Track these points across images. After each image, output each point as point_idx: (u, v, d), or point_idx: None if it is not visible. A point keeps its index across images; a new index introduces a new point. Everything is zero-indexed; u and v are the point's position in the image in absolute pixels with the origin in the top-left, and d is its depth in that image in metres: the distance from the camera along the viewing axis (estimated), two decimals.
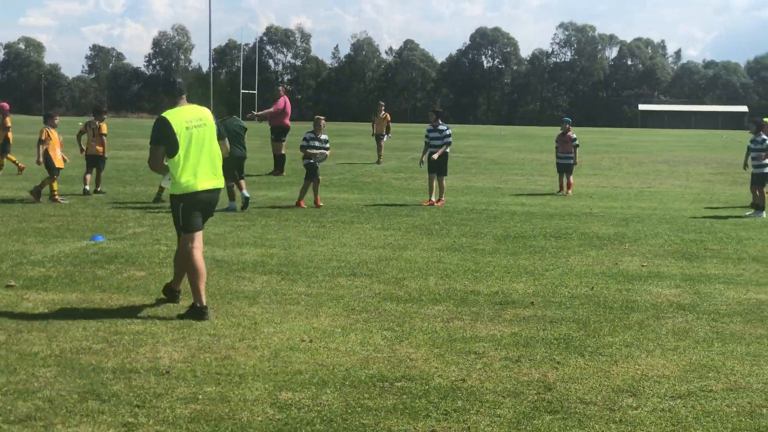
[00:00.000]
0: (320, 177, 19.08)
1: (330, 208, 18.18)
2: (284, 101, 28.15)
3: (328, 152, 18.99)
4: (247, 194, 17.95)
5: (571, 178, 23.52)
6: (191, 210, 9.25)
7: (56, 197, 18.70)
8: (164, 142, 9.10)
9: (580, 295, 10.15)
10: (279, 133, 27.79)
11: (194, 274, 9.06)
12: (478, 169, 31.76)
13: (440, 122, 19.91)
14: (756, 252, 13.52)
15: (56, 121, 19.69)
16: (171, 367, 7.12)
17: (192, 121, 9.23)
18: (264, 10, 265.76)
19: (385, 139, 34.88)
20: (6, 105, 27.67)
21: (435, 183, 19.77)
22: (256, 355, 7.51)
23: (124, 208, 17.83)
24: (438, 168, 19.70)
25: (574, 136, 23.75)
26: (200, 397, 6.43)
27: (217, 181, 9.41)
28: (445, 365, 7.30)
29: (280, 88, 29.74)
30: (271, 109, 28.55)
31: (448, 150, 19.85)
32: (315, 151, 18.67)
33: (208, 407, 6.23)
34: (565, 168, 23.45)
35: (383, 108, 35.73)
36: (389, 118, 35.37)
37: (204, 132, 9.27)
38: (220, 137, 9.70)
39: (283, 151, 27.81)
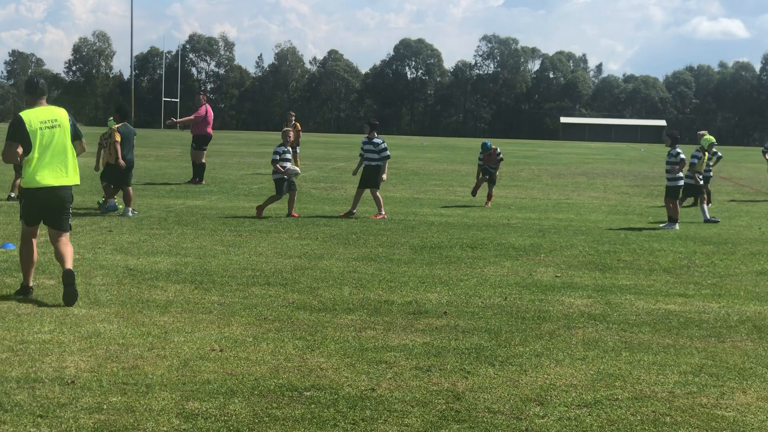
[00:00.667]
0: (294, 191, 18.93)
1: (248, 218, 18.08)
2: (206, 109, 27.84)
3: (298, 168, 19.01)
4: (117, 205, 18.29)
5: (493, 190, 23.80)
6: (33, 204, 9.99)
7: None
8: (18, 139, 9.79)
9: (494, 305, 10.22)
10: (200, 141, 27.47)
11: (26, 260, 10.05)
12: (398, 180, 31.83)
13: (375, 135, 19.73)
14: (667, 263, 13.74)
15: None
16: (77, 376, 7.01)
17: (47, 121, 9.91)
18: (187, 18, 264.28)
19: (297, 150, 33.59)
20: None
21: (361, 197, 19.70)
22: (164, 364, 7.43)
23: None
24: (370, 182, 19.46)
25: (499, 150, 24.21)
26: (105, 407, 6.33)
27: (67, 179, 10.02)
28: (356, 375, 7.29)
29: (202, 96, 29.34)
30: (191, 117, 28.23)
31: (386, 164, 19.71)
32: (287, 166, 18.59)
33: (112, 417, 6.14)
34: (490, 173, 23.75)
35: (294, 118, 34.47)
36: (300, 128, 34.29)
37: (57, 132, 9.93)
38: (76, 137, 10.04)
39: (203, 160, 27.51)
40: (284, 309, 9.69)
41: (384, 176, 19.56)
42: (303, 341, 8.34)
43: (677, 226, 18.65)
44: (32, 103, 10.13)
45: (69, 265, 9.77)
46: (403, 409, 6.49)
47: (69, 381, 6.87)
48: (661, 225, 18.96)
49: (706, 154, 22.17)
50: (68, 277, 9.58)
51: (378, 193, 19.56)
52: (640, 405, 6.71)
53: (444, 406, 6.57)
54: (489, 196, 23.49)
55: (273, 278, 11.45)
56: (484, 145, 23.86)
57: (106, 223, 16.57)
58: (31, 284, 10.11)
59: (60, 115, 10.10)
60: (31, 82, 10.18)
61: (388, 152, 19.78)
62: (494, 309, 10.03)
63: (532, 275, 12.35)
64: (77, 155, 10.29)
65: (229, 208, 20.10)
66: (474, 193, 24.19)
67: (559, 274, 12.45)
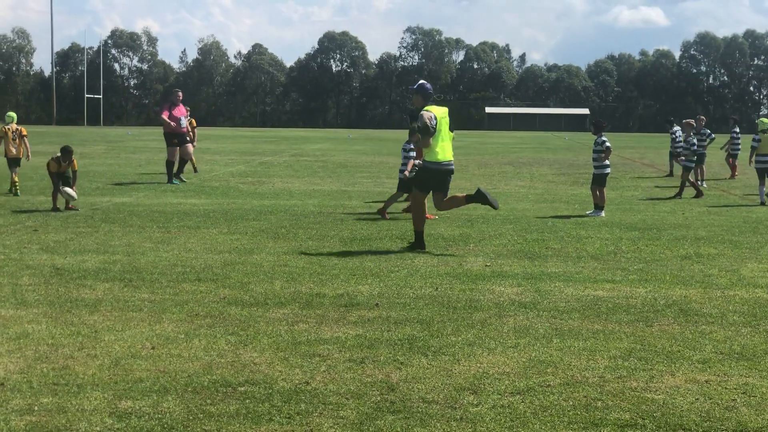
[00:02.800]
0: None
1: (176, 214, 17.93)
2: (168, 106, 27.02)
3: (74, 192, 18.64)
4: None
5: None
6: None
7: None
8: None
9: (425, 296, 10.27)
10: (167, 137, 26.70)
11: None
12: (325, 173, 31.82)
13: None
14: (594, 250, 13.92)
15: None
16: (6, 378, 6.91)
17: None
18: (108, 13, 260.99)
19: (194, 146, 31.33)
20: None
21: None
22: (95, 364, 7.35)
23: None
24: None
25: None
26: (36, 408, 6.26)
27: None
28: (289, 368, 7.29)
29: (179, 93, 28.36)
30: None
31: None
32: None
33: (44, 418, 6.07)
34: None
35: (188, 113, 30.95)
36: (195, 124, 31.72)
37: None
38: None
39: (171, 158, 26.70)
40: (215, 305, 9.64)
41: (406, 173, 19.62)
42: (235, 336, 8.31)
43: (603, 213, 18.89)
44: None
45: None
46: (338, 401, 6.50)
47: None
48: (588, 212, 19.20)
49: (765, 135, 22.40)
50: None
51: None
52: (572, 391, 6.80)
53: (378, 398, 6.60)
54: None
55: (203, 274, 11.38)
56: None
57: (31, 222, 16.33)
58: None
59: None
60: None
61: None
62: (425, 299, 10.08)
63: (462, 265, 12.43)
64: None
65: (156, 204, 19.92)
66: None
67: (488, 264, 12.55)
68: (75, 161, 18.99)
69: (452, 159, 13.99)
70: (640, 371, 7.34)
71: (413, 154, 18.25)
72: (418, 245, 13.74)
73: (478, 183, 28.02)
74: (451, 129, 13.99)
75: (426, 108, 13.84)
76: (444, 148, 13.88)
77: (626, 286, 11.05)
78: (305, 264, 12.29)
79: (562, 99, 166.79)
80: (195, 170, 30.36)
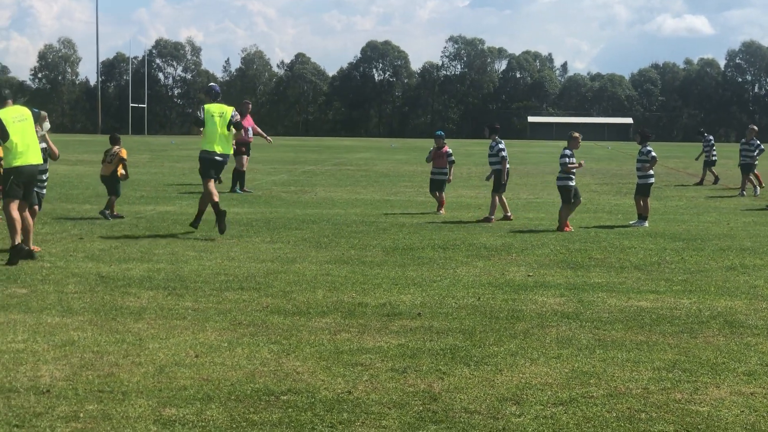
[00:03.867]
0: None
1: None
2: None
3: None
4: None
5: (444, 195, 21.73)
6: (17, 181, 13.05)
7: None
8: None
9: (467, 306, 10.26)
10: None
11: (11, 225, 12.87)
12: (368, 182, 31.86)
13: (495, 137, 20.30)
14: (638, 260, 13.84)
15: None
16: (52, 385, 6.98)
17: (16, 117, 13.20)
18: (153, 23, 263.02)
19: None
20: None
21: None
22: (140, 371, 7.42)
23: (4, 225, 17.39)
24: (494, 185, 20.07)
25: (450, 151, 21.91)
26: (81, 415, 6.32)
27: (37, 158, 13.44)
28: (332, 378, 7.31)
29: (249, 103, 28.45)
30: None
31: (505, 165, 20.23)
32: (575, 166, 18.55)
33: (89, 425, 6.13)
34: (438, 185, 21.55)
35: (249, 106, 31.40)
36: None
37: (25, 125, 13.25)
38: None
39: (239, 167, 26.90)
40: (258, 313, 9.69)
41: (504, 177, 20.18)
42: (278, 345, 8.34)
43: (647, 224, 18.78)
44: (2, 105, 13.85)
45: None
46: (380, 411, 6.51)
47: (44, 390, 6.85)
48: (631, 222, 19.08)
49: None
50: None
51: (499, 196, 19.96)
52: (615, 402, 6.76)
53: (421, 408, 6.60)
54: (441, 203, 21.44)
55: (246, 283, 11.44)
56: (437, 134, 22.32)
57: (77, 230, 16.48)
58: (15, 243, 12.79)
59: (24, 112, 13.48)
60: None
61: (503, 154, 20.31)
62: (468, 309, 10.07)
63: (504, 275, 12.40)
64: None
65: None
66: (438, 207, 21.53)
67: (531, 274, 12.52)
68: (123, 150, 19.19)
69: (223, 151, 16.77)
70: (685, 383, 7.29)
71: (568, 161, 18.51)
72: (195, 223, 16.80)
73: (521, 192, 27.96)
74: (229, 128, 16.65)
75: (205, 105, 17.10)
76: (212, 141, 16.61)
77: (670, 296, 10.98)
78: (347, 273, 12.31)
79: (605, 108, 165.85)
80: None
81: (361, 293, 10.91)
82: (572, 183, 18.26)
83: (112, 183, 18.95)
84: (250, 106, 28.02)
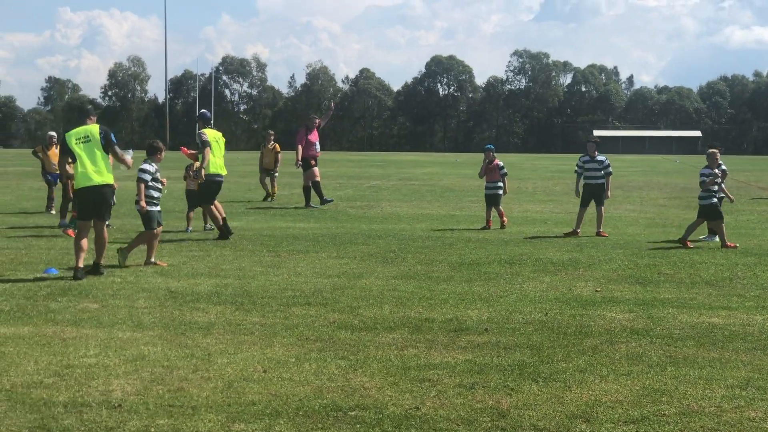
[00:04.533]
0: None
1: (285, 238, 18.14)
2: (303, 132, 27.39)
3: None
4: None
5: (501, 208, 21.37)
6: (81, 204, 13.44)
7: None
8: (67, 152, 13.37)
9: (534, 321, 10.18)
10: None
11: (74, 247, 13.25)
12: (433, 197, 31.85)
13: (597, 153, 20.05)
14: (709, 276, 13.64)
15: None
16: (123, 399, 7.06)
17: (81, 137, 13.33)
18: (220, 40, 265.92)
19: (276, 174, 30.91)
20: None
21: (585, 214, 20.00)
22: (209, 386, 7.46)
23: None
24: (596, 199, 19.85)
25: (502, 164, 21.61)
26: (152, 429, 6.37)
27: (103, 178, 13.34)
28: (399, 393, 7.29)
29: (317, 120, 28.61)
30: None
31: (609, 180, 20.10)
32: None
33: None
34: (493, 199, 21.25)
35: (272, 138, 31.42)
36: (279, 149, 30.83)
37: (90, 145, 13.27)
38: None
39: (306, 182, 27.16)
40: (325, 329, 9.71)
41: (609, 192, 20.06)
42: (345, 361, 8.35)
43: (717, 238, 18.50)
44: (82, 123, 13.97)
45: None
46: (448, 427, 6.48)
47: (116, 404, 6.92)
48: (702, 237, 18.82)
49: None
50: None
51: (602, 210, 19.97)
52: (687, 420, 6.66)
53: (489, 424, 6.56)
54: (500, 215, 21.14)
55: (313, 298, 11.48)
56: (486, 147, 22.03)
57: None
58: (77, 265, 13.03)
59: (91, 130, 13.50)
60: (82, 108, 13.74)
61: (611, 168, 20.15)
62: (535, 325, 10.00)
63: (571, 290, 12.30)
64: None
65: (266, 228, 20.19)
66: (488, 223, 21.20)
67: (599, 289, 12.40)
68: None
69: (223, 173, 18.42)
70: (759, 401, 7.15)
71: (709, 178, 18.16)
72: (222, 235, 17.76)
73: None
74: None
75: (203, 130, 18.53)
76: (216, 164, 18.15)
77: (743, 313, 10.80)
78: (414, 288, 12.30)
79: (673, 121, 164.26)
80: (271, 197, 29.96)
81: (428, 308, 10.88)
82: (714, 200, 18.01)
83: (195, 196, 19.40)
84: (318, 120, 28.15)
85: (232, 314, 10.44)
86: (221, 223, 17.92)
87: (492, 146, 22.35)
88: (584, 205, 19.80)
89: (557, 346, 9.01)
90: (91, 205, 13.35)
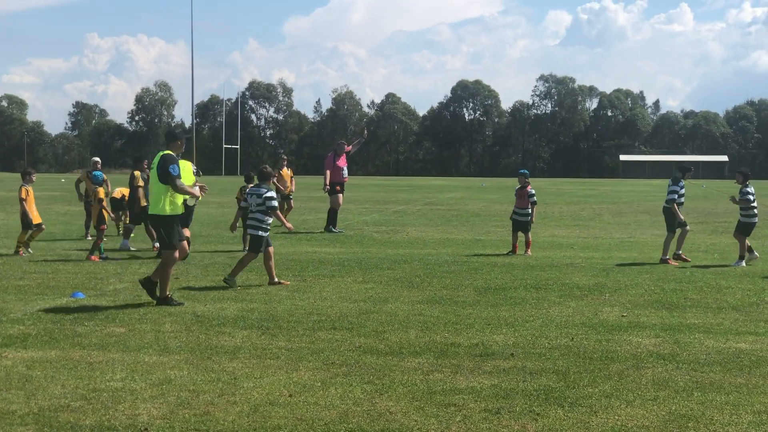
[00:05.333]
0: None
1: (311, 262, 18.18)
2: (332, 156, 27.64)
3: None
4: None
5: (529, 236, 21.14)
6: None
7: (20, 251, 19.70)
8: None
9: (560, 346, 10.16)
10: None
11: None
12: (459, 222, 31.84)
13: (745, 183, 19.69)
14: (735, 301, 13.57)
15: (33, 178, 20.40)
16: (150, 423, 7.09)
17: (155, 162, 13.14)
18: (247, 66, 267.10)
19: (291, 197, 29.48)
20: None
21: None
22: (235, 410, 7.49)
23: (105, 264, 17.80)
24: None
25: (533, 191, 21.51)
26: None
27: (152, 207, 13.30)
28: (425, 418, 7.29)
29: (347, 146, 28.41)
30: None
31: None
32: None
33: None
34: (520, 225, 21.07)
35: (286, 162, 29.98)
36: (292, 174, 29.66)
37: (152, 172, 13.22)
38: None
39: (332, 205, 27.34)
40: (351, 353, 9.72)
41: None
42: (371, 385, 8.36)
43: (744, 263, 18.42)
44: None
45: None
46: None
47: (143, 428, 6.96)
48: (734, 263, 18.67)
49: None
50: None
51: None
52: None
53: None
54: (527, 244, 20.98)
55: (339, 322, 11.50)
56: (521, 172, 21.98)
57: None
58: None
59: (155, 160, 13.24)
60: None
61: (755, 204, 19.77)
62: (561, 350, 9.98)
63: (597, 315, 12.27)
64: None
65: (291, 252, 20.25)
66: (514, 248, 21.02)
67: (625, 314, 12.36)
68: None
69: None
70: None
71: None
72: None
73: (614, 232, 27.63)
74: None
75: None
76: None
77: None
78: (440, 313, 12.30)
79: (699, 146, 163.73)
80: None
81: (454, 333, 10.88)
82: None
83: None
84: (348, 147, 28.25)
85: (258, 338, 10.48)
86: None
87: (527, 171, 22.28)
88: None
89: (583, 371, 8.99)
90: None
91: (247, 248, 19.21)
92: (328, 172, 26.97)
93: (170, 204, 13.14)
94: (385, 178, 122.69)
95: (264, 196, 15.11)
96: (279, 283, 14.95)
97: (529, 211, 21.09)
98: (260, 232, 15.08)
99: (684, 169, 20.44)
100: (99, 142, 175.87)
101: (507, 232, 27.00)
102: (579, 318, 12.03)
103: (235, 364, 9.16)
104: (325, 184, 26.88)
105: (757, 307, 13.01)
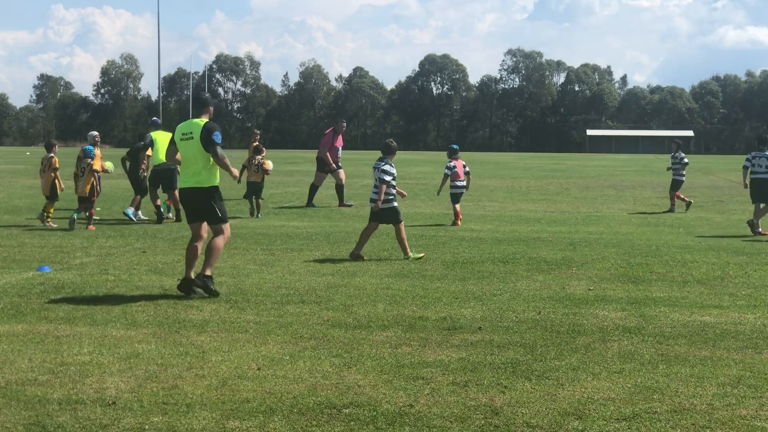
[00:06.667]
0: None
1: (279, 236, 18.17)
2: (330, 134, 28.14)
3: None
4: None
5: (458, 207, 22.33)
6: (182, 203, 12.29)
7: (50, 222, 20.18)
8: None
9: (528, 320, 10.22)
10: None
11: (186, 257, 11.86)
12: (426, 196, 31.86)
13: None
14: (701, 275, 13.69)
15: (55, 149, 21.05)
16: (117, 397, 7.08)
17: (185, 132, 11.94)
18: (214, 39, 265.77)
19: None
20: None
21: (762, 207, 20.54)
22: (203, 384, 7.49)
23: (72, 237, 17.69)
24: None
25: (464, 163, 23.15)
26: (147, 427, 6.40)
27: (196, 181, 11.86)
28: (393, 391, 7.32)
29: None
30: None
31: None
32: None
33: None
34: (458, 198, 22.52)
35: (257, 137, 28.77)
36: (263, 149, 27.96)
37: (191, 143, 11.80)
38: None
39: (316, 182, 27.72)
40: (319, 327, 9.74)
41: None
42: (339, 358, 8.38)
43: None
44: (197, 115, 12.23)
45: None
46: (441, 425, 6.51)
47: (110, 402, 6.94)
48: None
49: None
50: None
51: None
52: (679, 418, 6.70)
53: (482, 422, 6.59)
54: (457, 215, 22.07)
55: (307, 296, 11.51)
56: (451, 147, 23.54)
57: (140, 244, 16.70)
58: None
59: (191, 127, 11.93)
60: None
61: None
62: (528, 323, 10.04)
63: (564, 289, 12.34)
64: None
65: (260, 227, 20.21)
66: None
67: (591, 288, 12.44)
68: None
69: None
70: (750, 399, 7.20)
71: None
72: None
73: (580, 206, 27.78)
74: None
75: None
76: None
77: (734, 311, 10.85)
78: (408, 287, 12.33)
79: (666, 121, 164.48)
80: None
81: (422, 307, 10.92)
82: None
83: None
84: (345, 125, 28.50)
85: (227, 312, 10.47)
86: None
87: (456, 146, 24.02)
88: (759, 200, 20.61)
89: (550, 344, 9.05)
90: (189, 208, 12.02)
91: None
92: (328, 153, 27.12)
93: (216, 174, 12.02)
94: (353, 152, 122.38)
95: (381, 169, 15.43)
96: (408, 257, 15.21)
97: (465, 182, 22.63)
98: (393, 204, 15.55)
99: (762, 140, 21.37)
100: (64, 114, 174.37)
101: (474, 206, 27.11)
102: (546, 292, 12.10)
103: (203, 338, 9.15)
104: (330, 164, 27.09)
105: (722, 281, 13.13)
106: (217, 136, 11.75)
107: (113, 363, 8.15)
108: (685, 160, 27.66)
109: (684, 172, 27.46)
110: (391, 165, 15.50)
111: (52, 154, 20.55)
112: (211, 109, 12.27)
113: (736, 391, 7.40)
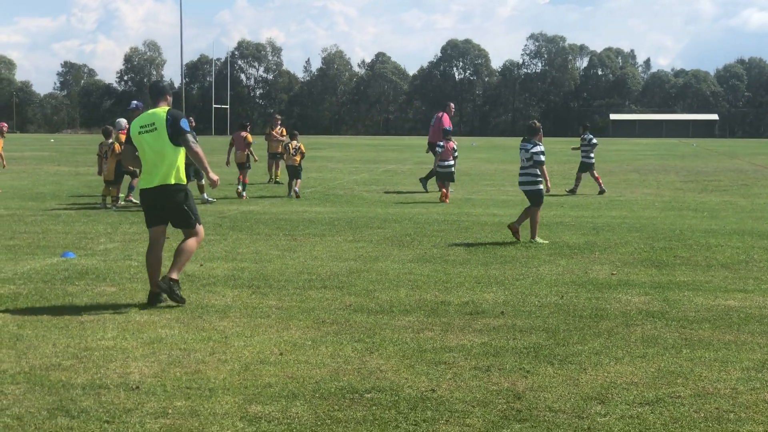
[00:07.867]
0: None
1: (302, 222, 18.19)
2: (437, 118, 28.89)
3: None
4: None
5: (448, 186, 24.37)
6: (143, 205, 10.61)
7: (114, 203, 21.42)
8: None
9: (550, 304, 10.20)
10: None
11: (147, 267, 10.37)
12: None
13: None
14: (725, 259, 13.62)
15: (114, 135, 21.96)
16: (141, 382, 7.11)
17: (145, 126, 10.31)
18: (236, 25, 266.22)
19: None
20: (5, 124, 28.88)
21: None
22: (226, 368, 7.51)
23: (96, 224, 17.77)
24: None
25: (454, 146, 24.84)
26: (170, 411, 6.42)
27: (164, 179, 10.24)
28: (415, 376, 7.32)
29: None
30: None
31: None
32: None
33: (177, 421, 6.22)
34: (448, 176, 24.33)
35: (279, 122, 31.35)
36: (285, 133, 30.21)
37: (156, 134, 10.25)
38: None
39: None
40: (342, 312, 9.74)
41: None
42: (362, 343, 8.38)
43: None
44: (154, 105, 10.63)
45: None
46: (464, 409, 6.51)
47: (134, 386, 6.97)
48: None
49: None
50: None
51: None
52: (703, 402, 6.67)
53: (505, 406, 6.58)
54: (446, 194, 23.81)
55: (329, 281, 11.52)
56: (445, 129, 25.44)
57: None
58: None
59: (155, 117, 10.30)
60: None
61: None
62: (551, 308, 10.02)
63: (587, 273, 12.30)
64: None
65: (282, 212, 20.24)
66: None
67: (614, 272, 12.39)
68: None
69: None
70: None
71: None
72: None
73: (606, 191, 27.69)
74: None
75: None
76: None
77: (759, 295, 10.78)
78: (430, 272, 12.32)
79: (690, 105, 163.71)
80: (275, 180, 31.05)
81: (444, 292, 10.91)
82: None
83: None
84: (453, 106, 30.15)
85: (249, 298, 10.49)
86: None
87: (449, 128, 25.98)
88: None
89: (573, 328, 9.03)
90: (152, 211, 10.41)
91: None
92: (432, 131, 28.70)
93: (183, 170, 10.45)
94: (375, 137, 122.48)
95: (531, 151, 15.61)
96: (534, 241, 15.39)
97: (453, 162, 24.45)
98: (539, 186, 15.73)
99: None
100: (88, 102, 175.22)
101: (497, 191, 27.05)
102: (569, 276, 12.06)
103: (225, 323, 9.17)
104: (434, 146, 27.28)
105: (747, 265, 13.06)
106: (185, 123, 10.26)
107: (137, 348, 8.18)
108: (594, 141, 27.81)
109: (593, 154, 27.66)
110: (540, 145, 15.69)
111: (111, 140, 21.41)
112: (170, 98, 10.72)
113: (760, 376, 7.36)
